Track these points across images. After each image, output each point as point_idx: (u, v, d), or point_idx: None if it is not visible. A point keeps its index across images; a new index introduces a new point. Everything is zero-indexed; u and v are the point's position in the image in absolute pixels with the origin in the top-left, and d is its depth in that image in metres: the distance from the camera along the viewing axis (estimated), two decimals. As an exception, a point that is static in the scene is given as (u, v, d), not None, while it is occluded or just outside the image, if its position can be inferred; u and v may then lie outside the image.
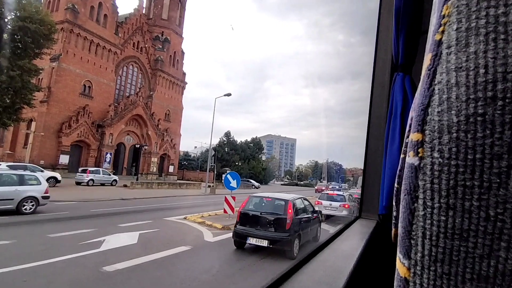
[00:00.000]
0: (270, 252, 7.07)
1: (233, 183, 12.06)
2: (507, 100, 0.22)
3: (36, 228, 8.26)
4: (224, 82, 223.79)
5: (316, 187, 37.00)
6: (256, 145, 60.08)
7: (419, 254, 0.26)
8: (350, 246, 1.22)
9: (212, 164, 35.59)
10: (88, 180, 23.51)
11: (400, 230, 0.29)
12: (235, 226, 7.51)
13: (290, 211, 7.24)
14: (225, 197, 11.47)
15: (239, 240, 7.40)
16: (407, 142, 0.30)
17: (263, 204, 7.92)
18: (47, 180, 18.97)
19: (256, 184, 43.42)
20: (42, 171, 19.47)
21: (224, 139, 56.44)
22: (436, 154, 0.25)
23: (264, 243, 7.00)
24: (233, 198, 11.43)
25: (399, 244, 0.29)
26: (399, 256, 0.29)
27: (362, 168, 1.93)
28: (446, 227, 0.25)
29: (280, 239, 7.03)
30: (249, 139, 60.40)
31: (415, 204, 0.27)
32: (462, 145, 0.24)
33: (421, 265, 0.26)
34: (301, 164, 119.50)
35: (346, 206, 13.66)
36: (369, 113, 1.84)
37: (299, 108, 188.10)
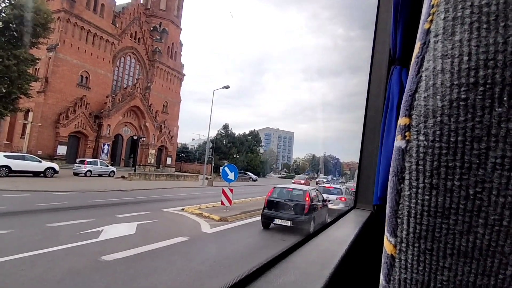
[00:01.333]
0: (264, 244, 7.16)
1: (231, 176, 12.11)
2: (487, 86, 0.23)
3: (34, 218, 8.29)
4: (223, 75, 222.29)
5: (293, 180, 35.18)
6: (254, 138, 60.08)
7: (404, 232, 0.28)
8: (344, 233, 1.26)
9: (210, 156, 35.62)
10: (86, 171, 23.49)
11: (387, 210, 0.30)
12: (263, 210, 9.32)
13: (307, 199, 9.04)
14: (223, 189, 11.52)
15: (267, 221, 9.23)
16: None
17: (285, 193, 9.66)
18: (45, 170, 19.04)
19: (254, 176, 43.55)
20: (40, 161, 19.41)
21: (222, 131, 56.37)
22: (421, 137, 0.26)
23: (288, 223, 8.78)
24: (231, 190, 11.49)
25: (386, 223, 0.30)
26: (386, 234, 0.30)
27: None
28: (429, 206, 0.26)
29: (301, 220, 8.77)
30: (247, 132, 60.43)
31: (402, 185, 0.28)
32: (446, 128, 0.25)
33: (406, 242, 0.28)
34: (298, 157, 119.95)
35: (343, 199, 13.78)
36: (365, 106, 1.86)
37: (297, 101, 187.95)
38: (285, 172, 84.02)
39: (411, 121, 0.27)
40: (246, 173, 43.04)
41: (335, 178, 77.08)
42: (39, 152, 26.17)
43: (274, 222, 9.00)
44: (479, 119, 0.23)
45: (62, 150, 29.64)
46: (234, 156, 51.33)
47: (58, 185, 15.75)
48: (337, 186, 16.35)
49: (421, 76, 0.27)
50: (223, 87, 29.62)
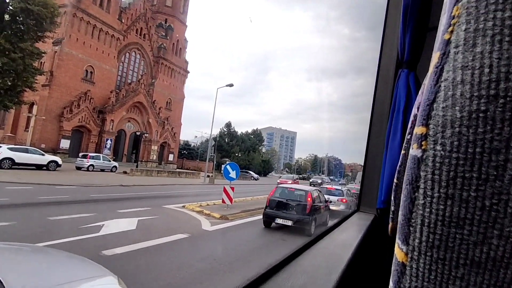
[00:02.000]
0: (263, 243, 7.17)
1: (232, 174, 12.12)
2: (508, 98, 0.23)
3: (36, 211, 8.34)
4: (227, 73, 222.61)
5: (278, 180, 32.42)
6: (256, 136, 60.11)
7: (417, 241, 0.28)
8: (349, 236, 1.25)
9: (212, 154, 35.66)
10: (88, 166, 23.60)
11: (400, 217, 0.30)
12: (265, 209, 9.36)
13: (309, 199, 9.05)
14: (224, 188, 11.55)
15: (268, 220, 9.28)
16: (408, 138, 0.31)
17: (287, 193, 9.67)
18: (48, 163, 19.16)
19: (255, 175, 43.60)
20: (43, 154, 19.53)
21: (225, 129, 56.43)
22: (438, 147, 0.26)
23: (289, 222, 8.81)
24: (232, 188, 11.51)
25: (398, 231, 0.30)
26: (398, 242, 0.30)
27: (361, 163, 1.95)
28: (444, 216, 0.26)
29: (302, 220, 8.80)
30: (249, 131, 60.48)
31: (416, 194, 0.28)
32: (464, 139, 0.25)
33: (418, 251, 0.28)
34: (300, 158, 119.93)
35: (344, 200, 13.79)
36: (372, 108, 1.85)
37: (301, 101, 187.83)
38: (287, 171, 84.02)
39: (428, 131, 0.27)
40: (247, 172, 43.09)
41: (336, 179, 76.62)
42: (43, 146, 26.33)
43: (276, 221, 9.08)
44: (498, 131, 0.23)
45: (65, 144, 29.80)
46: (236, 154, 51.38)
47: (61, 178, 15.84)
48: (338, 187, 16.35)
49: (440, 86, 0.27)
50: (227, 85, 29.63)
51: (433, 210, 0.26)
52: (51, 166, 19.27)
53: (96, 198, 11.38)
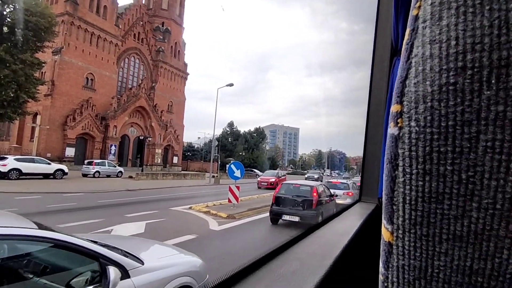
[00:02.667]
0: (272, 240, 7.18)
1: (237, 173, 12.16)
2: (475, 70, 0.23)
3: (45, 219, 8.44)
4: (227, 73, 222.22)
5: (258, 178, 25.22)
6: (259, 134, 60.08)
7: (400, 219, 0.28)
8: (347, 225, 1.27)
9: (216, 154, 35.69)
10: (94, 172, 23.79)
11: (383, 197, 0.30)
12: (271, 206, 9.40)
13: (315, 194, 9.09)
14: (230, 187, 11.59)
15: (275, 217, 9.33)
16: None
17: (293, 189, 9.74)
18: (55, 172, 19.37)
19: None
20: (49, 163, 19.73)
21: (228, 129, 56.51)
22: (413, 123, 0.26)
23: (296, 218, 8.86)
24: (238, 187, 11.54)
25: (383, 211, 0.30)
26: (383, 222, 0.30)
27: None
28: (423, 192, 0.26)
29: (309, 216, 8.82)
30: (252, 129, 60.44)
31: (396, 172, 0.28)
32: (436, 113, 0.25)
33: (402, 229, 0.28)
34: (304, 153, 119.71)
35: (350, 194, 13.76)
36: (368, 98, 1.86)
37: (302, 97, 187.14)
38: (291, 168, 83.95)
39: (403, 108, 0.27)
40: (252, 170, 43.11)
41: (341, 173, 76.09)
42: (48, 155, 26.57)
43: (283, 218, 9.12)
44: (468, 103, 0.23)
45: (70, 152, 30.04)
46: (240, 153, 51.45)
47: (68, 186, 16.00)
48: (344, 181, 16.30)
49: (411, 62, 0.27)
50: (227, 85, 29.61)
51: (413, 187, 0.27)
52: (57, 175, 19.47)
53: (103, 204, 11.48)
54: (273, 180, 22.50)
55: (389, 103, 1.33)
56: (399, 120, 0.28)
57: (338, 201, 13.67)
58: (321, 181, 18.28)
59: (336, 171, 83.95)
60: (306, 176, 38.02)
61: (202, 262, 3.26)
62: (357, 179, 27.53)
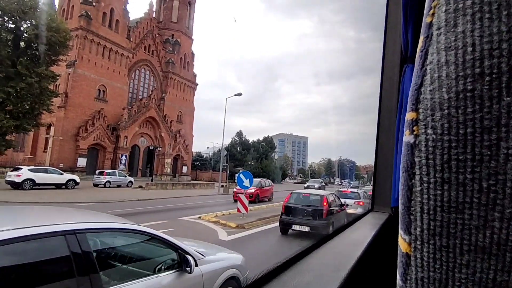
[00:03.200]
0: (282, 251, 7.07)
1: (246, 182, 12.11)
2: (493, 76, 0.23)
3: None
4: (235, 83, 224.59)
5: (234, 189, 19.01)
6: (268, 144, 60.04)
7: (418, 229, 0.27)
8: (360, 235, 1.23)
9: (225, 164, 35.74)
10: (105, 182, 24.11)
11: (400, 207, 0.29)
12: (281, 216, 9.29)
13: (325, 203, 8.95)
14: (239, 196, 11.54)
15: (285, 227, 9.22)
16: None
17: (302, 198, 9.65)
18: (67, 182, 19.70)
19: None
20: (61, 174, 20.11)
21: (236, 138, 56.67)
22: (429, 131, 0.26)
23: (306, 229, 8.72)
24: (247, 197, 11.49)
25: (400, 220, 0.29)
26: (400, 232, 0.29)
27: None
28: (442, 201, 0.25)
29: (319, 226, 8.72)
30: (261, 138, 60.47)
31: (413, 181, 0.27)
32: (454, 120, 0.24)
33: (421, 240, 0.27)
34: (313, 162, 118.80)
35: (361, 203, 13.51)
36: (379, 106, 1.83)
37: (310, 106, 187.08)
38: (301, 177, 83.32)
39: (418, 115, 0.27)
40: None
41: (351, 182, 74.90)
42: (61, 165, 27.10)
43: (293, 228, 8.96)
44: (487, 110, 0.23)
45: (82, 162, 30.58)
46: (249, 163, 51.39)
47: (79, 196, 16.21)
48: (355, 190, 16.05)
49: (425, 69, 0.27)
50: (235, 95, 29.92)
51: (431, 196, 0.26)
52: (69, 185, 19.80)
53: (114, 213, 11.56)
54: (253, 190, 17.01)
55: (399, 110, 1.31)
56: (414, 128, 0.27)
57: (349, 210, 13.47)
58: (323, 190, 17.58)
59: (347, 180, 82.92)
60: (305, 185, 34.70)
61: (244, 258, 3.88)
62: (368, 188, 26.89)
